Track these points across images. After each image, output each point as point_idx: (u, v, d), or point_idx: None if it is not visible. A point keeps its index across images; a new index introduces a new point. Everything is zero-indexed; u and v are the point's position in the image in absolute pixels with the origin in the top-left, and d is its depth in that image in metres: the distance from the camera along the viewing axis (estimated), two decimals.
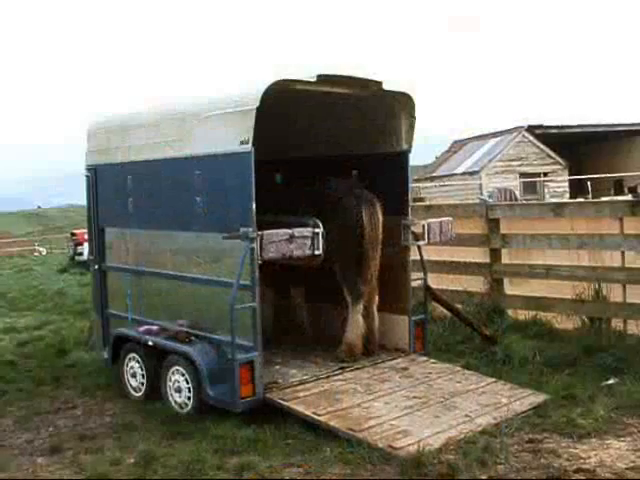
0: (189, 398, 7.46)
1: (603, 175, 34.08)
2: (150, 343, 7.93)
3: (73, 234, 27.35)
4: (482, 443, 6.15)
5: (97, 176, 9.13)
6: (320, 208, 8.03)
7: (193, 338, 7.63)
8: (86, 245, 14.12)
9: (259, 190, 7.15)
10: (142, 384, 8.14)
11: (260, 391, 7.09)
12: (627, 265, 9.18)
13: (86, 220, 9.63)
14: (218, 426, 6.88)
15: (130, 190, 8.57)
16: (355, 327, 8.16)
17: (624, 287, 9.14)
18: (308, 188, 8.46)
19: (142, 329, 8.16)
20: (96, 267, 9.32)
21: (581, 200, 22.78)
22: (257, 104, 6.86)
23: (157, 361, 7.92)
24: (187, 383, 7.46)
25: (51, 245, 52.49)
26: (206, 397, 7.24)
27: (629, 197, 28.06)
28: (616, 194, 33.04)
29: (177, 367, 7.59)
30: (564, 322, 9.69)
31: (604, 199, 22.74)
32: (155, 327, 8.10)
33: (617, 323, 9.20)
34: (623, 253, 9.19)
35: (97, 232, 9.24)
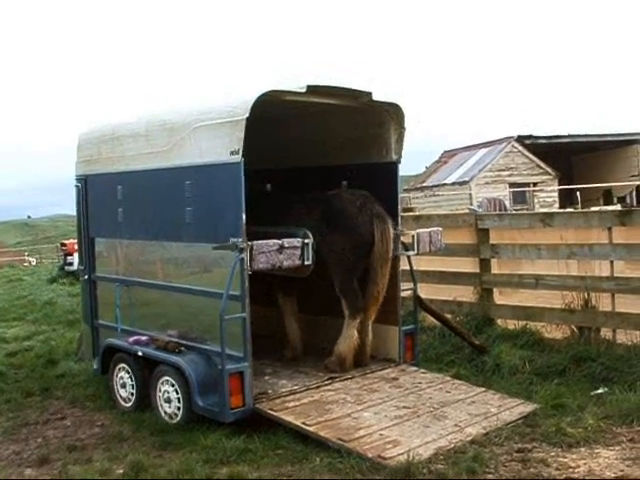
0: (179, 408, 7.45)
1: (592, 185, 34.18)
2: (140, 353, 7.92)
3: (63, 244, 27.23)
4: (472, 453, 6.16)
5: (87, 186, 9.13)
6: (327, 219, 8.05)
7: (183, 348, 7.63)
8: (76, 255, 14.10)
9: (253, 200, 7.17)
10: (132, 394, 8.12)
11: (250, 401, 7.08)
12: (616, 274, 9.21)
13: (76, 230, 9.62)
14: (208, 436, 6.87)
15: (120, 200, 8.56)
16: (348, 340, 8.11)
17: (613, 296, 9.17)
18: (313, 199, 8.41)
19: (132, 339, 8.14)
20: (86, 277, 9.32)
21: (570, 210, 22.85)
22: (247, 115, 6.88)
23: (147, 371, 7.91)
24: (177, 393, 7.45)
25: (41, 255, 52.32)
26: (196, 407, 7.23)
27: (618, 207, 28.22)
28: (605, 204, 33.18)
29: (167, 377, 7.58)
30: (553, 331, 9.71)
31: (593, 209, 22.80)
32: (145, 337, 8.09)
33: (606, 332, 9.22)
34: (612, 263, 9.22)
35: (87, 242, 9.24)
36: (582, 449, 6.30)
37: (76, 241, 10.02)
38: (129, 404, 8.15)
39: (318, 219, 8.11)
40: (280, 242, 7.51)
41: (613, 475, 5.74)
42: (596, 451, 6.25)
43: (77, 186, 9.27)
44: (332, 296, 8.34)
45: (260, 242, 7.28)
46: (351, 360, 8.21)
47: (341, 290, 8.16)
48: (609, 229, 9.19)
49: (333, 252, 8.03)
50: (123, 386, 8.22)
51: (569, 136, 38.31)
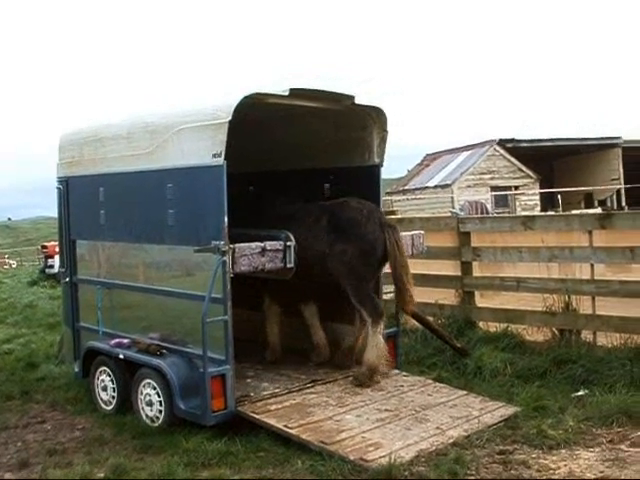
0: (160, 411, 7.42)
1: (573, 188, 34.44)
2: (121, 356, 7.89)
3: (44, 247, 27.10)
4: (453, 455, 6.17)
5: (69, 188, 9.08)
6: (335, 229, 7.93)
7: (164, 351, 7.60)
8: (57, 258, 14.02)
9: (250, 204, 7.18)
10: (113, 397, 8.09)
11: (232, 404, 7.06)
12: (596, 277, 9.27)
13: (57, 232, 9.58)
14: (189, 439, 6.85)
15: (102, 202, 8.53)
16: (376, 348, 7.89)
17: (593, 299, 9.22)
18: (318, 207, 8.29)
19: (113, 342, 8.11)
20: (67, 280, 9.26)
21: (551, 213, 22.97)
22: (229, 117, 6.88)
23: (128, 374, 7.89)
24: (158, 396, 7.43)
25: (22, 258, 52.00)
26: (177, 410, 7.20)
27: (599, 210, 28.41)
28: (586, 207, 33.41)
29: (148, 380, 7.55)
30: (534, 334, 9.76)
31: (574, 212, 22.99)
32: (126, 340, 8.06)
33: (587, 335, 9.27)
34: (592, 265, 9.27)
35: (68, 244, 9.19)
36: (563, 451, 6.33)
37: (57, 243, 9.96)
38: (110, 407, 8.12)
39: (325, 228, 7.99)
40: (262, 245, 7.52)
41: (593, 476, 5.79)
42: (576, 452, 6.29)
43: (59, 188, 9.23)
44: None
45: (242, 245, 7.28)
46: (382, 369, 8.05)
47: (358, 300, 7.93)
48: (590, 232, 9.24)
49: (343, 262, 7.87)
50: (104, 389, 8.19)
51: (550, 140, 38.54)
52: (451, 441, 6.51)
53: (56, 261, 20.30)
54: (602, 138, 38.39)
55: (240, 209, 8.10)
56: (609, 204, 35.51)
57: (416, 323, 9.56)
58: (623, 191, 36.14)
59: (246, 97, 7.01)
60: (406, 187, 40.09)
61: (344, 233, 7.89)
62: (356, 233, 7.87)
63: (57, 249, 10.68)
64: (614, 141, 37.98)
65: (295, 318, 8.93)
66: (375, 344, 7.86)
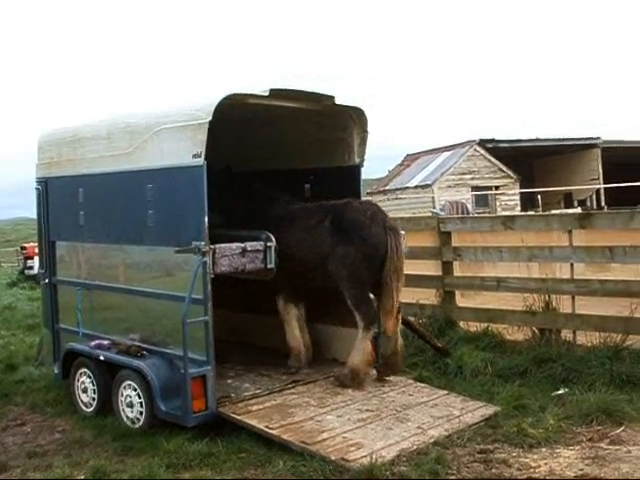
0: (141, 413, 7.39)
1: (553, 188, 34.61)
2: (101, 358, 7.85)
3: (23, 248, 26.95)
4: (434, 454, 6.19)
5: (48, 189, 9.03)
6: (338, 230, 7.82)
7: (145, 352, 7.57)
8: (36, 259, 13.93)
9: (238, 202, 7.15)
10: (93, 399, 8.05)
11: (212, 405, 7.05)
12: (576, 277, 9.32)
13: (36, 233, 9.52)
14: (170, 441, 6.82)
15: (81, 203, 8.48)
16: (362, 352, 7.84)
17: (573, 298, 9.26)
18: (320, 207, 8.20)
19: (93, 344, 8.07)
20: (46, 281, 9.20)
21: (531, 213, 23.08)
22: (209, 118, 6.87)
23: (109, 376, 7.84)
24: (139, 398, 7.39)
25: (1, 259, 51.59)
26: (158, 412, 7.18)
27: (578, 210, 28.58)
28: (566, 207, 33.64)
29: (129, 382, 7.52)
30: (515, 333, 9.80)
31: (554, 212, 23.11)
32: (107, 342, 8.02)
33: (567, 334, 9.32)
34: (572, 265, 9.31)
35: (48, 245, 9.13)
36: (543, 449, 6.37)
37: (36, 244, 9.90)
38: (90, 409, 8.07)
39: (328, 229, 7.89)
40: (243, 245, 7.53)
41: (573, 474, 5.82)
42: (557, 451, 6.33)
43: (37, 189, 9.17)
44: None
45: (223, 245, 7.29)
46: (365, 373, 7.96)
47: (354, 303, 7.83)
48: (569, 232, 9.29)
49: (345, 265, 7.76)
50: (84, 391, 8.14)
51: (530, 140, 38.74)
52: (432, 440, 6.53)
53: (35, 262, 20.16)
54: (581, 138, 38.65)
55: (235, 209, 8.11)
56: (589, 204, 35.75)
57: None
58: (602, 191, 36.39)
59: (226, 97, 7.00)
60: (387, 187, 40.14)
61: (347, 235, 7.78)
62: (359, 235, 7.76)
63: (36, 250, 10.59)
64: (593, 141, 38.25)
65: (274, 318, 8.94)
66: (362, 348, 7.83)
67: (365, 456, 6.09)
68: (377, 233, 7.77)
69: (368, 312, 7.81)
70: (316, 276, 8.12)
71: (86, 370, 8.13)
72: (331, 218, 7.92)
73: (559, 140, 38.81)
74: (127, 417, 7.53)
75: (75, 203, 8.53)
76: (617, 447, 6.37)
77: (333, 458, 6.12)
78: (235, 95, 7.19)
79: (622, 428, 6.78)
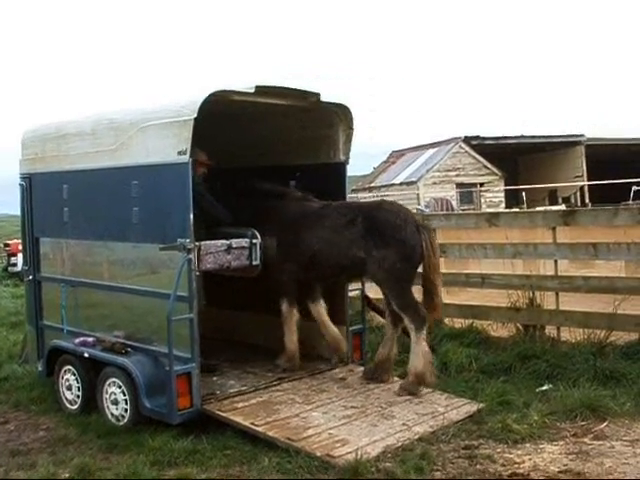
0: (126, 410, 7.37)
1: (538, 185, 34.73)
2: (86, 355, 7.83)
3: (6, 244, 26.73)
4: (419, 451, 6.22)
5: (32, 185, 8.98)
6: (373, 233, 7.64)
7: (130, 350, 7.55)
8: (20, 256, 13.87)
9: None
10: (78, 397, 8.02)
11: (198, 402, 7.04)
12: (560, 273, 9.37)
13: (20, 230, 9.47)
14: (155, 438, 6.81)
15: (66, 199, 8.44)
16: (422, 355, 7.61)
17: (557, 295, 9.31)
18: (347, 208, 8.10)
19: (78, 341, 8.04)
20: (30, 278, 9.16)
21: (516, 210, 23.16)
22: (195, 115, 6.85)
23: (93, 373, 7.82)
24: (124, 395, 7.38)
25: None
26: (143, 409, 7.16)
27: (563, 207, 28.71)
28: (551, 204, 33.75)
29: (114, 379, 7.50)
30: (499, 330, 9.84)
31: (538, 209, 23.18)
32: (91, 339, 7.99)
33: (550, 330, 9.37)
34: (556, 262, 9.37)
35: (31, 242, 9.09)
36: (527, 445, 6.40)
37: (20, 241, 9.84)
38: (75, 407, 8.05)
39: (360, 231, 7.70)
40: (228, 242, 7.53)
41: (557, 469, 5.86)
42: (541, 446, 6.36)
43: (21, 185, 9.12)
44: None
45: (208, 242, 7.30)
46: (431, 373, 7.72)
47: (401, 306, 7.66)
48: (553, 229, 9.34)
49: (384, 268, 7.59)
50: (69, 388, 8.11)
51: (515, 137, 38.82)
52: (417, 437, 6.56)
53: (19, 259, 20.03)
54: (566, 136, 38.77)
55: (245, 208, 8.10)
56: (573, 201, 35.90)
57: (382, 320, 9.58)
58: (586, 188, 36.55)
59: (211, 94, 6.98)
60: (372, 184, 40.15)
61: (383, 237, 7.61)
62: (397, 238, 7.59)
63: (20, 247, 10.53)
64: (577, 139, 38.37)
65: (260, 314, 8.94)
66: (419, 352, 7.62)
67: (350, 452, 6.10)
68: (412, 233, 7.65)
69: (416, 313, 7.62)
70: (341, 278, 8.11)
71: (70, 367, 8.10)
72: (362, 219, 7.73)
73: (544, 137, 38.94)
74: (112, 414, 7.51)
75: (59, 199, 8.49)
76: (600, 442, 6.42)
77: (318, 454, 6.14)
78: (221, 92, 7.17)
79: (605, 423, 6.83)
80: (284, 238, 8.04)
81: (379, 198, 36.09)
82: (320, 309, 8.37)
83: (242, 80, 7.45)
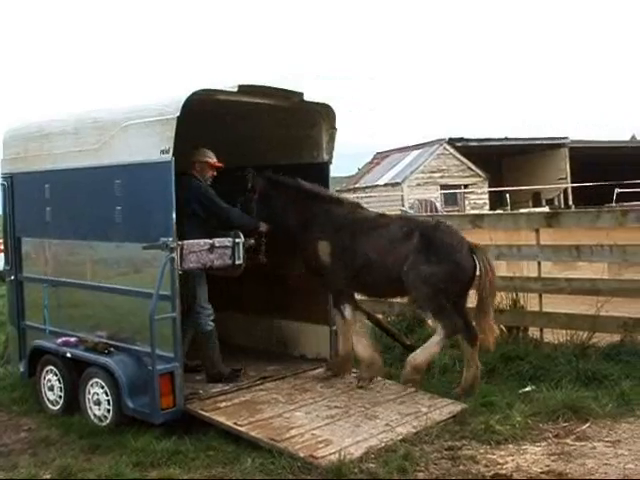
0: (108, 411, 7.33)
1: (522, 187, 34.90)
2: (68, 355, 7.78)
3: None
4: (402, 451, 6.22)
5: (13, 184, 8.92)
6: (427, 249, 7.60)
7: (112, 349, 7.51)
8: (1, 255, 13.76)
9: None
10: (60, 397, 7.96)
11: (180, 402, 7.01)
12: (543, 275, 9.40)
13: (2, 229, 9.40)
14: (138, 439, 6.78)
15: (48, 199, 8.40)
16: (427, 350, 7.73)
17: (540, 297, 9.34)
18: (406, 221, 8.15)
19: (60, 341, 7.99)
20: (12, 278, 9.10)
21: (500, 212, 23.23)
22: (177, 113, 6.83)
23: (76, 373, 7.77)
24: (106, 395, 7.34)
25: None
26: (126, 409, 7.13)
27: (546, 209, 28.84)
28: (534, 206, 33.91)
29: (96, 379, 7.46)
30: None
31: (522, 211, 23.29)
32: (73, 339, 7.95)
33: (534, 332, 9.39)
34: (539, 263, 9.40)
35: (13, 242, 9.03)
36: (510, 446, 6.41)
37: (2, 241, 9.78)
38: (57, 407, 7.99)
39: (414, 246, 7.65)
40: (211, 241, 7.50)
41: (539, 470, 5.87)
42: (523, 447, 6.37)
43: (3, 184, 9.06)
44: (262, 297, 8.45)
45: (190, 241, 7.28)
46: (424, 369, 7.85)
47: (436, 315, 7.72)
48: (537, 231, 9.37)
49: (429, 284, 7.55)
50: (51, 389, 8.06)
51: (499, 139, 38.96)
52: (400, 438, 6.55)
53: (1, 259, 19.91)
54: (549, 138, 38.97)
55: (295, 209, 8.08)
56: (556, 203, 36.09)
57: (366, 321, 9.58)
58: (570, 190, 36.74)
59: (194, 93, 6.96)
60: (356, 185, 40.16)
61: (437, 255, 7.60)
62: (452, 259, 7.63)
63: (2, 247, 10.47)
64: (561, 141, 38.58)
65: (242, 314, 8.93)
66: (429, 350, 7.74)
67: (333, 453, 6.09)
68: (467, 256, 7.70)
69: (451, 322, 7.65)
70: (387, 291, 8.14)
71: (52, 368, 8.04)
72: (419, 235, 7.70)
73: (528, 139, 39.12)
74: (94, 415, 7.47)
75: (42, 199, 8.44)
76: (582, 443, 6.44)
77: (302, 455, 6.12)
78: (203, 91, 7.15)
79: (587, 424, 6.85)
80: (340, 242, 7.95)
81: (363, 199, 36.38)
82: (352, 323, 8.20)
83: (237, 79, 7.37)
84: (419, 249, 7.62)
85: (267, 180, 8.24)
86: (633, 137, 48.49)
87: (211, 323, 7.88)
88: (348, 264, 7.92)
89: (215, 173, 8.20)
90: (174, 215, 6.94)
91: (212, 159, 8.13)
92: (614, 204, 24.46)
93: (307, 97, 8.05)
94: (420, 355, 7.73)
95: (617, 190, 28.73)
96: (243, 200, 8.18)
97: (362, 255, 7.83)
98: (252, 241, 8.01)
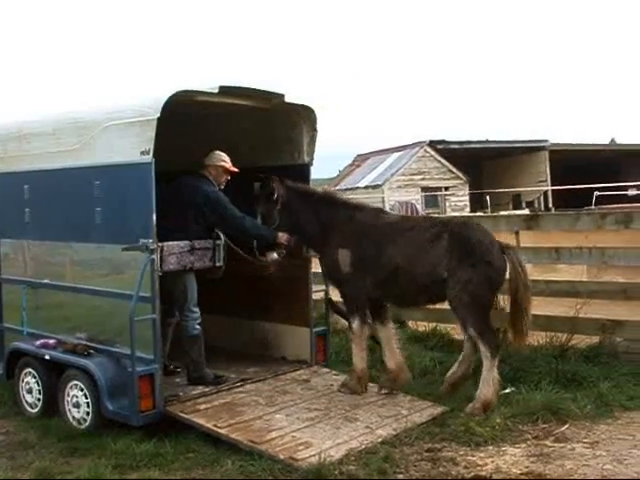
0: (88, 413, 7.29)
1: (502, 190, 35.10)
2: (47, 357, 7.72)
3: None
4: (382, 453, 6.22)
5: None
6: (460, 253, 7.25)
7: (92, 351, 7.47)
8: None
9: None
10: (39, 400, 7.89)
11: (160, 404, 6.98)
12: None
13: None
14: (117, 441, 6.74)
15: (27, 200, 8.34)
16: (492, 384, 7.29)
17: None
18: (432, 223, 7.74)
19: (39, 343, 7.93)
20: None
21: (480, 214, 23.33)
22: (158, 114, 6.79)
23: (54, 376, 7.71)
24: (86, 398, 7.29)
25: None
26: (105, 411, 7.08)
27: (526, 211, 29.00)
28: (514, 208, 34.14)
29: (75, 382, 7.41)
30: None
31: (502, 213, 23.41)
32: (52, 341, 7.89)
33: None
34: None
35: None
36: (490, 447, 6.43)
37: None
38: (35, 410, 7.93)
39: (446, 249, 7.31)
40: (191, 243, 7.48)
41: (519, 471, 5.89)
42: (503, 449, 6.39)
43: None
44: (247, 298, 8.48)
45: (171, 243, 7.26)
46: (495, 403, 7.33)
47: (478, 330, 7.31)
48: (517, 233, 9.43)
49: (468, 291, 7.22)
50: (29, 391, 7.99)
51: (480, 142, 39.22)
52: (380, 440, 6.55)
53: None
54: (530, 141, 39.29)
55: (314, 217, 7.89)
56: (536, 205, 36.33)
57: (346, 323, 9.59)
58: (550, 193, 37.00)
59: (175, 94, 6.94)
60: (337, 187, 40.21)
61: (470, 258, 7.25)
62: (485, 260, 7.27)
63: None
64: (541, 144, 38.88)
65: (222, 316, 8.90)
66: (490, 379, 7.29)
67: (314, 455, 6.09)
68: (499, 256, 7.36)
69: (493, 340, 7.37)
70: (419, 298, 7.82)
71: (31, 370, 7.98)
72: (448, 237, 7.35)
73: (508, 142, 39.42)
74: (73, 417, 7.42)
75: (20, 200, 8.38)
76: (561, 444, 6.47)
77: (282, 457, 6.11)
78: (184, 92, 7.13)
79: (566, 426, 6.88)
80: (362, 251, 7.66)
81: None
82: (390, 333, 8.06)
83: (219, 80, 7.31)
84: (450, 252, 7.28)
85: (288, 188, 7.97)
86: (612, 140, 48.83)
87: (198, 327, 7.83)
88: (372, 274, 7.63)
89: (229, 178, 8.12)
90: (154, 216, 6.90)
91: (228, 164, 8.03)
92: (593, 207, 24.60)
93: (288, 98, 8.04)
94: (487, 390, 7.29)
95: (596, 193, 28.92)
96: (265, 209, 7.91)
97: (388, 263, 7.51)
98: (275, 255, 7.89)
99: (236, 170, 8.08)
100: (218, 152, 8.05)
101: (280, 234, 7.86)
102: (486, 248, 7.34)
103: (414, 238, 7.52)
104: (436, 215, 7.29)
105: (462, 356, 7.92)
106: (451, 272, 7.26)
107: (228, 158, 8.07)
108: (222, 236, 7.74)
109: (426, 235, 7.47)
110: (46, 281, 8.25)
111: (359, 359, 7.91)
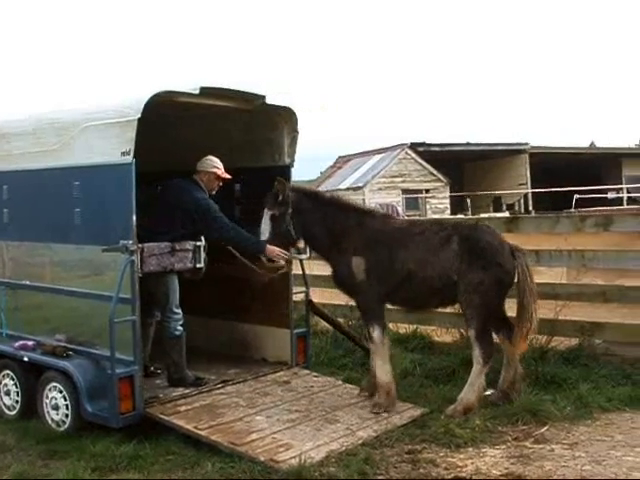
0: (67, 415, 7.24)
1: (483, 192, 35.25)
2: (25, 359, 7.67)
3: None
4: (363, 455, 6.21)
5: None
6: (470, 255, 7.25)
7: (71, 353, 7.42)
8: None
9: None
10: (17, 402, 7.84)
11: (140, 406, 6.94)
12: None
13: None
14: (97, 443, 6.70)
15: (6, 200, 8.29)
16: (477, 388, 7.31)
17: None
18: (442, 225, 7.70)
19: (17, 344, 7.87)
20: None
21: (461, 217, 23.40)
22: (138, 115, 6.76)
23: (33, 378, 7.66)
24: (65, 400, 7.24)
25: None
26: (85, 413, 7.04)
27: (507, 214, 29.13)
28: (495, 211, 34.29)
29: (54, 383, 7.36)
30: (443, 335, 9.91)
31: (482, 216, 23.48)
32: (31, 342, 7.84)
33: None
34: None
35: None
36: (470, 449, 6.44)
37: None
38: (13, 412, 7.87)
39: (456, 252, 7.30)
40: (172, 244, 7.45)
41: (499, 473, 5.91)
42: (483, 450, 6.41)
43: None
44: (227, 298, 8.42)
45: (151, 244, 7.23)
46: (477, 407, 7.29)
47: (477, 335, 7.30)
48: None
49: (479, 293, 7.22)
50: (7, 394, 7.93)
51: (461, 144, 39.37)
52: (361, 441, 6.56)
53: None
54: (510, 144, 39.48)
55: (322, 224, 7.71)
56: (517, 208, 36.51)
57: (327, 324, 9.60)
58: (530, 195, 37.22)
59: (156, 95, 6.91)
60: (319, 189, 40.25)
61: (481, 260, 7.25)
62: (496, 262, 7.27)
63: None
64: (522, 147, 39.09)
65: (202, 317, 8.88)
66: (477, 385, 7.31)
67: (294, 457, 6.08)
68: (509, 258, 7.35)
69: (488, 347, 7.35)
70: (430, 302, 7.77)
71: (9, 372, 7.92)
72: (458, 239, 7.34)
73: (489, 145, 39.59)
74: (52, 420, 7.37)
75: None
76: (541, 446, 6.50)
77: (262, 459, 6.10)
78: (165, 93, 7.11)
79: (546, 427, 6.91)
80: (376, 258, 7.54)
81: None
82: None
83: (200, 81, 7.26)
84: (460, 255, 7.27)
85: (298, 192, 7.81)
86: (592, 144, 49.22)
87: (180, 328, 7.80)
88: (385, 280, 7.53)
89: (221, 184, 8.05)
90: (134, 217, 6.87)
91: (220, 170, 7.94)
92: (573, 210, 24.76)
93: (269, 100, 8.03)
94: (471, 394, 7.31)
95: (576, 196, 29.13)
96: (277, 215, 7.64)
97: (401, 268, 7.45)
98: (282, 262, 7.80)
99: (229, 177, 8.02)
100: (210, 158, 7.97)
101: (270, 248, 7.56)
102: (496, 250, 7.35)
103: (425, 242, 7.47)
104: (437, 217, 7.23)
105: (505, 361, 7.75)
106: (462, 275, 7.25)
107: (221, 164, 7.98)
108: (202, 238, 7.72)
109: (436, 239, 7.45)
110: (25, 282, 8.21)
111: (383, 372, 7.59)
